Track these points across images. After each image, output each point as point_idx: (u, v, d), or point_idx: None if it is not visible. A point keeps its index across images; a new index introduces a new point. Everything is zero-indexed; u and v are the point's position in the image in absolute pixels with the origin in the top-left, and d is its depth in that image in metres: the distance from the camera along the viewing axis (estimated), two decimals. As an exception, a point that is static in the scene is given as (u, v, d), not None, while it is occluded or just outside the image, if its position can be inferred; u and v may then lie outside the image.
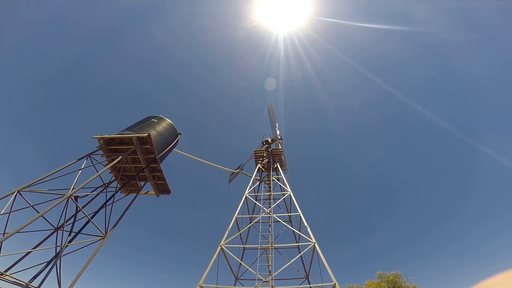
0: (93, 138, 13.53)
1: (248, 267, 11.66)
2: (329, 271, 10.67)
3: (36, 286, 8.59)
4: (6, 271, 9.20)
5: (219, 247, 11.67)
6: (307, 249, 12.06)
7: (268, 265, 12.34)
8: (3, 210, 9.92)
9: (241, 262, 12.84)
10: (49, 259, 9.10)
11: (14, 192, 10.97)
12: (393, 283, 21.83)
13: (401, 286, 21.85)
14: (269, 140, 20.77)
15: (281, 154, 19.24)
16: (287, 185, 16.56)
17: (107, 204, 12.09)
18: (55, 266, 9.14)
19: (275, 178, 17.69)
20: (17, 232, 8.94)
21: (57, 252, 9.18)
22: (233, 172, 18.38)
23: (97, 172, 13.08)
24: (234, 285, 14.69)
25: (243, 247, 15.03)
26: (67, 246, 9.83)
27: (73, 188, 11.35)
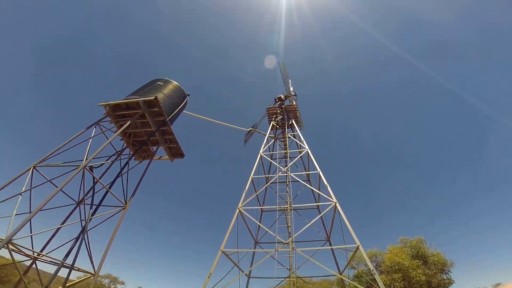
0: (99, 105, 13.00)
1: (267, 229, 11.70)
2: (352, 232, 10.56)
3: (70, 263, 8.82)
4: (41, 251, 9.54)
5: (237, 210, 11.60)
6: (328, 209, 11.87)
7: (288, 227, 12.41)
8: (24, 188, 9.84)
9: (259, 224, 12.97)
10: (76, 235, 9.26)
11: (30, 169, 10.81)
12: (416, 248, 21.53)
13: (424, 252, 21.54)
14: (282, 96, 19.54)
15: (296, 110, 18.20)
16: (304, 142, 15.86)
17: (122, 172, 11.95)
18: (83, 241, 9.32)
19: (290, 135, 16.94)
20: (40, 210, 8.96)
21: (82, 226, 9.23)
22: (248, 132, 17.68)
23: (108, 139, 12.68)
24: (254, 249, 15.18)
25: (261, 208, 15.07)
26: (91, 219, 9.93)
27: (86, 158, 11.04)
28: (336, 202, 12.00)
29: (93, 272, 9.16)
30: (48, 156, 11.46)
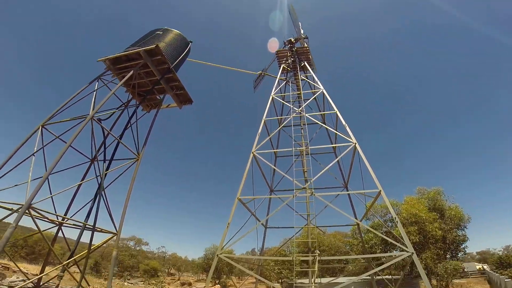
0: (98, 61, 12.35)
1: (283, 174, 11.30)
2: (373, 176, 10.03)
3: (92, 224, 8.84)
4: (66, 214, 9.62)
5: (251, 154, 11.22)
6: (346, 151, 11.25)
7: (304, 172, 12.04)
8: (35, 148, 9.62)
9: (274, 167, 12.59)
10: (94, 195, 9.24)
11: (38, 128, 10.54)
12: (433, 200, 20.59)
13: (442, 204, 20.58)
14: (292, 39, 17.92)
15: (308, 52, 16.72)
16: (319, 83, 14.79)
17: (131, 123, 11.66)
18: (102, 199, 9.30)
19: (303, 76, 15.76)
20: (56, 172, 8.92)
21: (99, 183, 9.12)
22: (257, 77, 16.52)
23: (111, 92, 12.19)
24: (269, 199, 15.00)
25: (275, 152, 14.54)
26: (106, 174, 9.86)
27: (92, 109, 10.62)
28: (355, 143, 11.35)
29: (114, 231, 9.21)
30: (55, 113, 11.13)
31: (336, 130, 12.75)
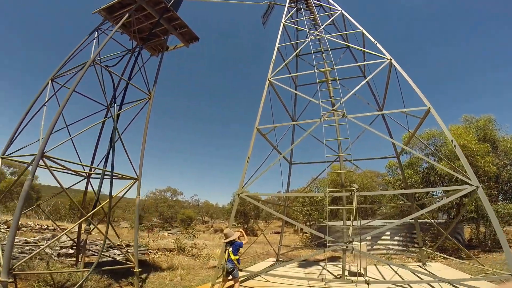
0: (93, 13, 11.49)
1: (309, 97, 9.87)
2: (419, 91, 8.24)
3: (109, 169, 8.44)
4: (92, 163, 9.43)
5: (267, 81, 9.83)
6: (381, 67, 9.47)
7: (331, 96, 10.50)
8: (47, 101, 9.08)
9: (296, 92, 11.15)
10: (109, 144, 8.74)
11: (48, 83, 10.04)
12: (483, 129, 17.28)
13: (494, 135, 17.29)
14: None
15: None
16: (335, 4, 12.50)
17: (139, 66, 10.81)
18: (121, 144, 8.81)
19: (315, 1, 13.25)
20: (73, 123, 8.44)
21: (113, 128, 8.48)
22: (265, 12, 14.22)
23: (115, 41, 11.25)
24: (293, 130, 13.79)
25: (293, 79, 12.83)
26: (118, 115, 9.29)
27: (94, 53, 9.71)
28: (391, 59, 9.53)
29: (135, 177, 8.70)
30: (61, 67, 10.52)
31: (364, 48, 10.77)
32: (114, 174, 8.36)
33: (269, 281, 8.30)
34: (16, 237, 12.41)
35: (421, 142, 17.78)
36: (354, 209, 7.12)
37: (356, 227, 7.40)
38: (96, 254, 11.19)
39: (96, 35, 11.10)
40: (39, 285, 6.55)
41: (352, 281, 6.78)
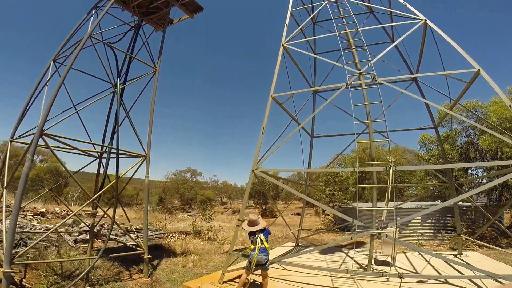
0: None
1: (334, 62, 8.52)
2: (464, 53, 6.82)
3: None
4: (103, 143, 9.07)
5: (281, 47, 8.60)
6: (413, 29, 7.95)
7: (356, 63, 9.12)
8: (48, 81, 8.62)
9: (315, 55, 9.87)
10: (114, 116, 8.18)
11: (49, 64, 9.56)
12: None
13: None
14: None
15: None
16: None
17: (143, 40, 10.04)
18: (127, 119, 8.20)
19: None
20: (80, 102, 7.90)
21: (117, 102, 7.84)
22: None
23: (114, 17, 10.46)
24: (313, 100, 12.51)
25: (310, 43, 11.33)
26: (122, 89, 8.67)
27: (90, 27, 8.97)
28: (425, 19, 7.99)
29: (143, 154, 8.08)
30: (62, 47, 9.97)
31: (391, 8, 9.16)
32: (121, 151, 7.84)
33: (286, 269, 7.65)
34: (38, 224, 12.78)
35: (459, 115, 15.90)
36: (390, 187, 6.02)
37: (393, 210, 6.20)
38: (114, 239, 11.11)
39: (94, 12, 10.42)
40: (46, 275, 6.29)
41: (382, 274, 5.89)
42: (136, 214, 25.05)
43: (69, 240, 9.86)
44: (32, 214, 14.42)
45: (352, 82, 7.40)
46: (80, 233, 11.15)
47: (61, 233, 10.43)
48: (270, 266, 6.24)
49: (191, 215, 29.20)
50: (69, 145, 7.36)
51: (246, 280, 5.88)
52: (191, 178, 51.16)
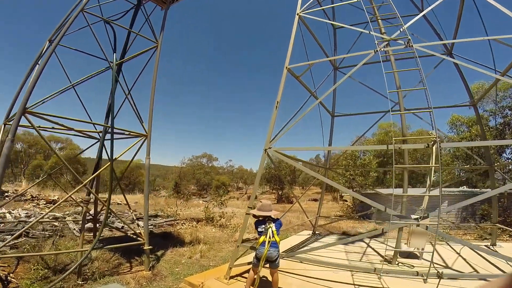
0: None
1: (360, 29, 7.30)
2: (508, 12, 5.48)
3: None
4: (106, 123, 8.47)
5: (296, 17, 7.36)
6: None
7: (382, 32, 7.81)
8: (38, 59, 7.96)
9: (333, 23, 8.52)
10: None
11: (46, 43, 8.85)
12: None
13: None
14: None
15: None
16: None
17: (145, 16, 9.10)
18: (128, 101, 7.46)
19: None
20: (78, 82, 7.20)
21: (112, 76, 7.02)
22: None
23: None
24: (334, 75, 11.18)
25: (326, 12, 9.84)
26: (120, 64, 7.89)
27: (86, 2, 8.10)
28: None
29: (144, 133, 7.28)
30: (59, 27, 9.21)
31: None
32: (119, 131, 7.14)
33: (301, 262, 6.82)
34: (49, 213, 12.56)
35: (494, 94, 14.15)
36: (433, 168, 4.87)
37: (439, 196, 4.90)
38: (120, 229, 10.67)
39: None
40: (37, 268, 5.80)
41: (418, 274, 4.89)
42: (151, 201, 25.09)
43: (74, 229, 9.50)
44: (45, 202, 14.37)
45: (382, 49, 6.11)
46: (89, 221, 10.83)
47: (67, 222, 10.12)
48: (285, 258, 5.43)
49: (206, 201, 28.98)
50: (62, 125, 6.65)
51: (255, 277, 5.06)
52: (207, 164, 51.13)
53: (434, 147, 5.36)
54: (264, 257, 4.71)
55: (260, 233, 4.95)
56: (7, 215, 10.37)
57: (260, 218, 5.06)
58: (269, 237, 4.75)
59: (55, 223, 9.78)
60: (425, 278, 4.66)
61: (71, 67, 7.65)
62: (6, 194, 15.40)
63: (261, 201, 5.21)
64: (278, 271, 5.17)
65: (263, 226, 4.92)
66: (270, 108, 9.50)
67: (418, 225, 5.03)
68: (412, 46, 5.85)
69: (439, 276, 4.82)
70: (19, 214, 10.53)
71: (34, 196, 16.04)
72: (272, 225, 4.88)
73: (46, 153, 34.35)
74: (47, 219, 10.52)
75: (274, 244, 4.82)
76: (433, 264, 4.72)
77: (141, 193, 34.45)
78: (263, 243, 4.77)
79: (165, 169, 59.21)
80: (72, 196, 7.27)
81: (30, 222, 9.02)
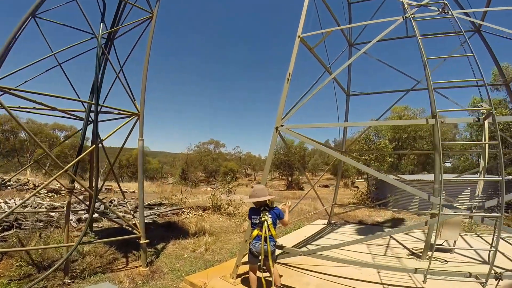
0: None
1: None
2: None
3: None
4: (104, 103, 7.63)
5: None
6: None
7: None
8: (18, 35, 7.02)
9: None
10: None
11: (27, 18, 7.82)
12: None
13: None
14: None
15: None
16: None
17: None
18: (119, 78, 6.49)
19: None
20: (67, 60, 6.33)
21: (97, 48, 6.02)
22: None
23: None
24: (349, 52, 10.00)
25: None
26: (110, 34, 6.98)
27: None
28: None
29: (136, 112, 6.32)
30: (40, 3, 8.16)
31: None
32: (107, 109, 6.23)
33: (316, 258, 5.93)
34: (44, 202, 12.03)
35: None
36: (486, 146, 3.84)
37: (501, 181, 3.84)
38: (115, 219, 10.01)
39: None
40: (20, 264, 5.11)
41: (470, 275, 3.93)
42: (158, 188, 24.64)
43: (71, 219, 8.85)
44: (45, 192, 13.86)
45: (412, 15, 4.89)
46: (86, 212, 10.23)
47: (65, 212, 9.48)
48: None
49: (214, 188, 28.45)
50: (40, 102, 5.73)
51: (259, 277, 4.30)
52: (214, 150, 50.47)
53: (486, 121, 4.31)
54: (263, 253, 4.05)
55: (253, 225, 4.22)
56: (3, 205, 9.81)
57: (256, 206, 4.28)
58: (265, 232, 4.02)
59: (51, 214, 9.14)
60: (484, 282, 3.71)
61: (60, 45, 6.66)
62: (8, 183, 14.98)
63: (252, 186, 4.43)
64: (284, 265, 4.39)
65: (257, 217, 4.16)
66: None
67: (471, 217, 4.03)
68: (448, 12, 4.66)
69: (498, 277, 3.88)
70: (15, 204, 9.96)
71: (37, 185, 15.59)
72: (268, 217, 4.09)
73: (51, 141, 34.14)
74: (45, 209, 9.94)
75: (271, 238, 4.09)
76: (492, 265, 3.73)
77: (149, 180, 34.18)
78: (258, 237, 4.08)
79: (172, 156, 59.00)
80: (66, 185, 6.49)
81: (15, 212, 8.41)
